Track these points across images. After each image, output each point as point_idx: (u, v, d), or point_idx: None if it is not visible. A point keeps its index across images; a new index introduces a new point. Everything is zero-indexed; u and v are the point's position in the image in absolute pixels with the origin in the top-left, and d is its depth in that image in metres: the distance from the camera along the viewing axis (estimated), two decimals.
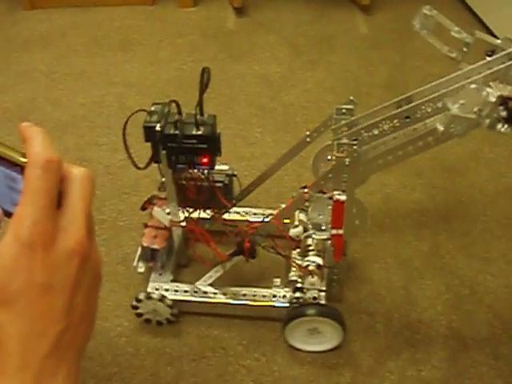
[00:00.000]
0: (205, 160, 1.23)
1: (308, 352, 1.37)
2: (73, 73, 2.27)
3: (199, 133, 1.20)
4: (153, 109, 1.23)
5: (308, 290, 1.31)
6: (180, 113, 1.22)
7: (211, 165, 1.24)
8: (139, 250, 1.41)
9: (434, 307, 1.48)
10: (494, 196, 1.79)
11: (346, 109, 1.30)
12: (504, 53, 1.13)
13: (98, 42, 2.47)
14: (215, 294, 1.39)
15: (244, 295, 1.39)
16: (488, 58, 1.16)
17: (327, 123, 1.34)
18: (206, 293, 1.39)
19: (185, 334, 1.40)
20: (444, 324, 1.45)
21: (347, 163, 1.12)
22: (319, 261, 1.28)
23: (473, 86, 1.07)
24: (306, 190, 1.20)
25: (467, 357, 1.38)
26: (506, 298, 1.51)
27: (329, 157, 1.33)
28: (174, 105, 1.23)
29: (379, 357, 1.37)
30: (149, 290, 1.39)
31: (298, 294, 1.31)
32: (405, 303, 1.49)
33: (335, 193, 1.16)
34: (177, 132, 1.19)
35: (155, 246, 1.38)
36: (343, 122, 1.23)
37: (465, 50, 1.24)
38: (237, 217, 1.52)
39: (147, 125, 1.20)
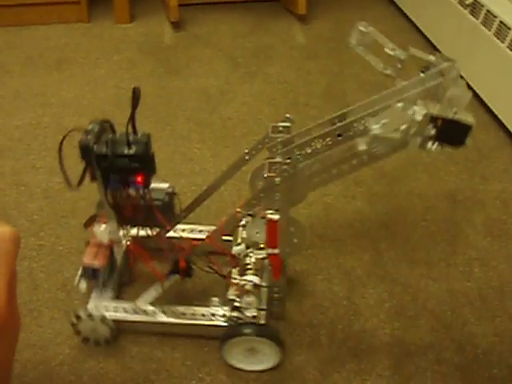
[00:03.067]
0: (139, 179, 1.21)
1: (248, 371, 1.37)
2: (7, 94, 2.23)
3: (131, 152, 1.18)
4: (90, 127, 1.20)
5: (246, 309, 1.30)
6: (114, 131, 1.20)
7: (146, 183, 1.23)
8: (80, 268, 1.38)
9: (377, 316, 1.49)
10: (433, 201, 1.82)
11: (283, 126, 1.30)
12: (435, 69, 1.13)
13: (33, 61, 2.43)
14: (154, 312, 1.37)
15: (183, 314, 1.37)
16: (422, 75, 1.16)
17: (265, 140, 1.34)
18: (145, 311, 1.38)
19: (128, 358, 1.38)
20: (387, 332, 1.46)
21: (277, 183, 1.11)
22: (256, 280, 1.27)
23: (399, 104, 1.07)
24: (238, 209, 1.19)
25: (411, 363, 1.39)
26: (447, 302, 1.53)
27: (265, 174, 1.33)
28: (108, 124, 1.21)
29: (324, 369, 1.37)
30: (88, 307, 1.37)
31: (235, 314, 1.30)
32: (348, 313, 1.49)
33: (267, 212, 1.16)
34: (107, 151, 1.17)
35: (96, 265, 1.35)
36: (278, 139, 1.22)
37: (399, 66, 1.24)
38: (175, 234, 1.50)
39: (82, 144, 1.17)
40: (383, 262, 1.63)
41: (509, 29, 2.03)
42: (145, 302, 1.38)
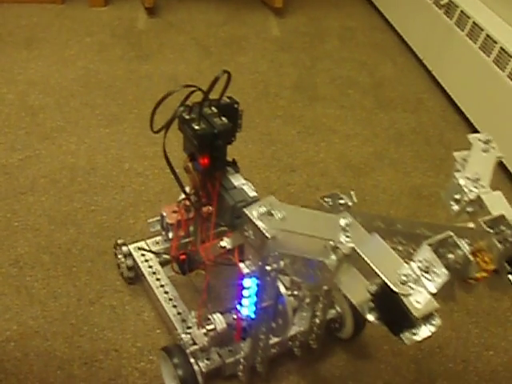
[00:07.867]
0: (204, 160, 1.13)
1: None
2: None
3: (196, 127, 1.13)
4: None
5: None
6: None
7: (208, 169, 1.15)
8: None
9: None
10: (397, 195, 1.81)
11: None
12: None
13: (1, 39, 2.38)
14: None
15: None
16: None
17: None
18: None
19: (77, 337, 1.34)
20: None
21: None
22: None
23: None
24: None
25: (365, 354, 1.38)
26: None
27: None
28: None
29: None
30: None
31: None
32: None
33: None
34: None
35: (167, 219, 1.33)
36: None
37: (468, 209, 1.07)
38: None
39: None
40: None
41: (482, 30, 2.04)
42: None
